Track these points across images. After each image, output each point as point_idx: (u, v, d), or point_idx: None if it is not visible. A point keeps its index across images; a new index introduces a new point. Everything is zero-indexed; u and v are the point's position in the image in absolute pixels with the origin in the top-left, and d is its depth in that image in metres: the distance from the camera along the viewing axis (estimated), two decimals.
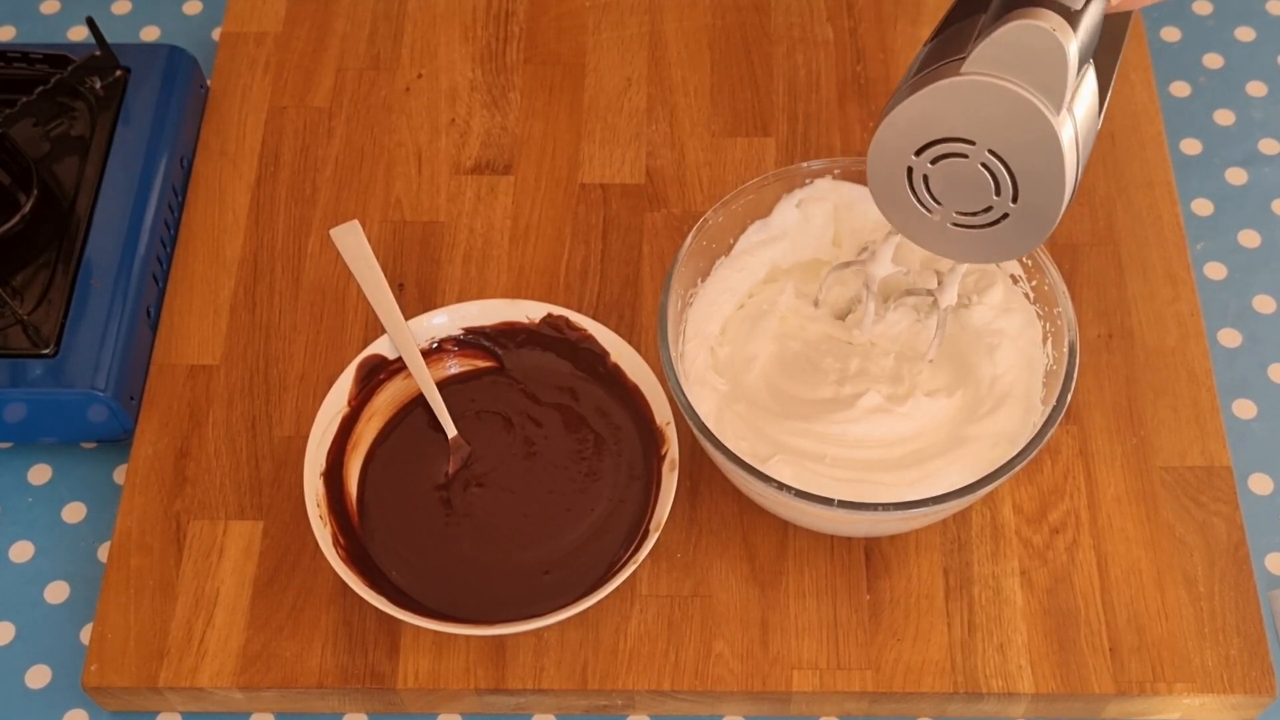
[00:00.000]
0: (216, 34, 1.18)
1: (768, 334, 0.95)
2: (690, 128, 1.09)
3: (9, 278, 0.99)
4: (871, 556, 0.92)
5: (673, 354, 0.89)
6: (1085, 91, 0.75)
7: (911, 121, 0.76)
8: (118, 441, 0.99)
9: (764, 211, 0.96)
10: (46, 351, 0.96)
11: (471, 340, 0.97)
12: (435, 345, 0.97)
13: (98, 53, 1.06)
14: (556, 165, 1.07)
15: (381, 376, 0.96)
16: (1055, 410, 0.86)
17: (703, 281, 0.95)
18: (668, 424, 0.92)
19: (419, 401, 0.96)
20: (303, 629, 0.90)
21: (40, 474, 1.00)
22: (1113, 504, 0.93)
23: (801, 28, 1.13)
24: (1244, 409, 1.00)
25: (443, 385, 0.96)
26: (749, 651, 0.89)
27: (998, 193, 0.77)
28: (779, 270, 0.97)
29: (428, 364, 0.96)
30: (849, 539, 0.92)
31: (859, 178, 0.95)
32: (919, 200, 0.80)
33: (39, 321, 0.97)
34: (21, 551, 0.97)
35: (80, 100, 1.07)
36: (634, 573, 0.88)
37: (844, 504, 0.83)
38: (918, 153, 0.77)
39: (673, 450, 0.91)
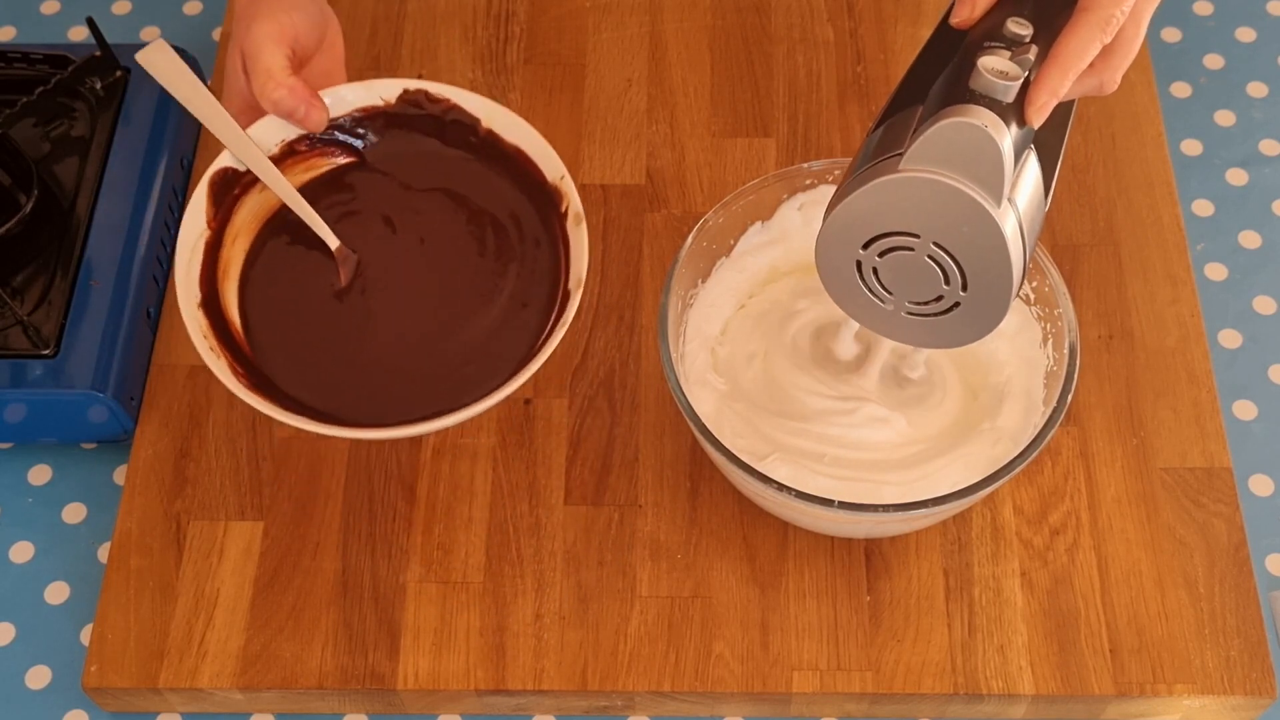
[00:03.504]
0: (216, 34, 1.18)
1: (768, 334, 0.95)
2: (690, 128, 1.09)
3: (9, 278, 0.99)
4: (872, 557, 0.92)
5: (673, 355, 0.89)
6: (1027, 179, 0.76)
7: (856, 216, 0.77)
8: (118, 442, 0.99)
9: (764, 212, 0.96)
10: (46, 352, 0.96)
11: (325, 136, 0.90)
12: (286, 149, 0.90)
13: (98, 53, 1.06)
14: None
15: (236, 192, 0.88)
16: (1056, 411, 0.86)
17: (703, 282, 0.95)
18: (561, 178, 0.87)
19: (284, 213, 0.89)
20: (303, 630, 0.90)
21: (40, 474, 1.00)
22: (1113, 505, 0.93)
23: (802, 28, 1.13)
24: (1244, 410, 1.00)
25: (304, 191, 0.89)
26: (749, 653, 0.89)
27: (947, 282, 0.78)
28: (779, 272, 0.97)
29: (281, 172, 0.88)
30: (849, 540, 0.92)
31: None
32: (871, 291, 0.80)
33: (39, 322, 0.97)
34: (21, 552, 0.97)
35: (80, 101, 1.07)
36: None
37: (844, 505, 0.83)
38: (864, 246, 0.78)
39: (574, 204, 0.86)
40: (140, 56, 0.89)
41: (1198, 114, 1.13)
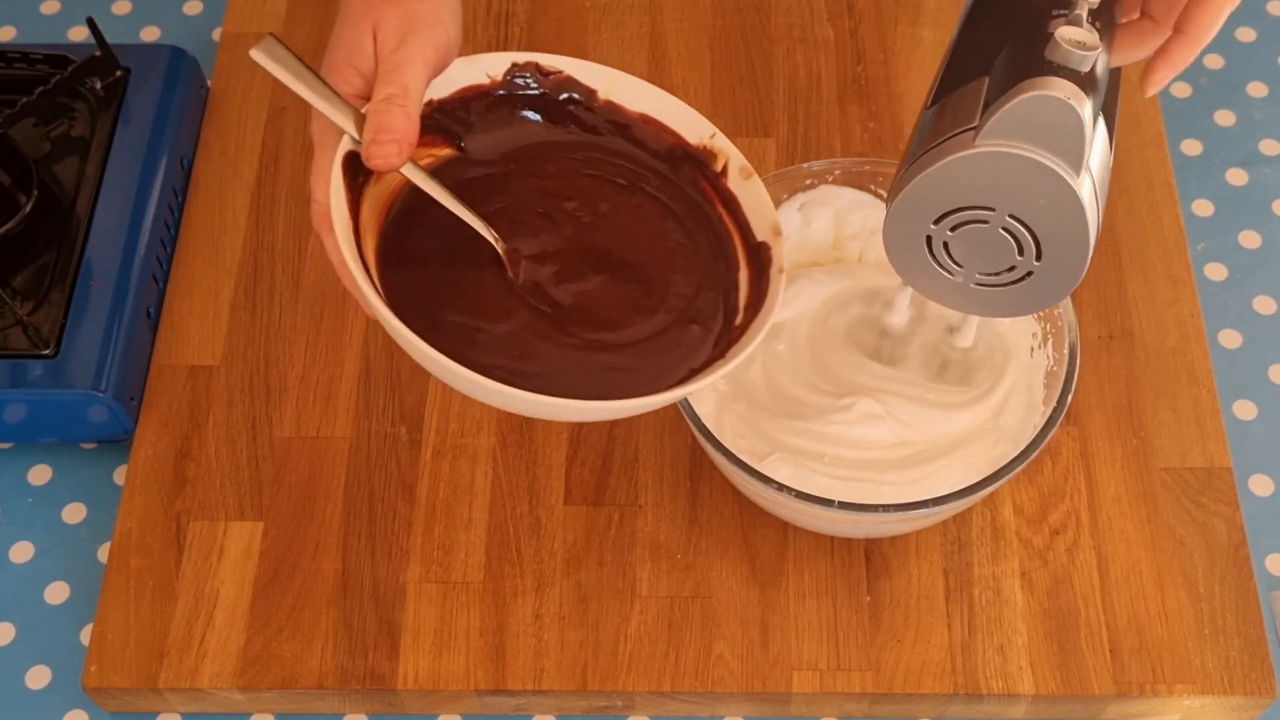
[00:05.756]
0: (217, 34, 1.18)
1: (768, 333, 0.94)
2: None
3: (9, 278, 0.99)
4: (872, 557, 0.92)
5: None
6: (1099, 145, 0.75)
7: (929, 193, 0.76)
8: (118, 442, 0.99)
9: None
10: (46, 352, 0.96)
11: (428, 121, 0.79)
12: None
13: (98, 53, 1.06)
14: None
15: (360, 179, 0.77)
16: (1056, 411, 0.86)
17: None
18: (712, 136, 0.82)
19: (405, 201, 0.80)
20: (303, 630, 0.90)
21: (40, 474, 1.00)
22: (1113, 505, 0.93)
23: (802, 28, 1.13)
24: (1244, 410, 1.00)
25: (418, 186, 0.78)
26: (749, 653, 0.89)
27: (1020, 253, 0.77)
28: None
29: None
30: (849, 540, 0.92)
31: (860, 181, 0.95)
32: (940, 264, 0.80)
33: (39, 322, 0.97)
34: (21, 552, 0.97)
35: (80, 101, 1.07)
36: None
37: (844, 505, 0.83)
38: (936, 221, 0.77)
39: (734, 158, 0.82)
40: (255, 52, 0.76)
41: (1198, 114, 1.13)
